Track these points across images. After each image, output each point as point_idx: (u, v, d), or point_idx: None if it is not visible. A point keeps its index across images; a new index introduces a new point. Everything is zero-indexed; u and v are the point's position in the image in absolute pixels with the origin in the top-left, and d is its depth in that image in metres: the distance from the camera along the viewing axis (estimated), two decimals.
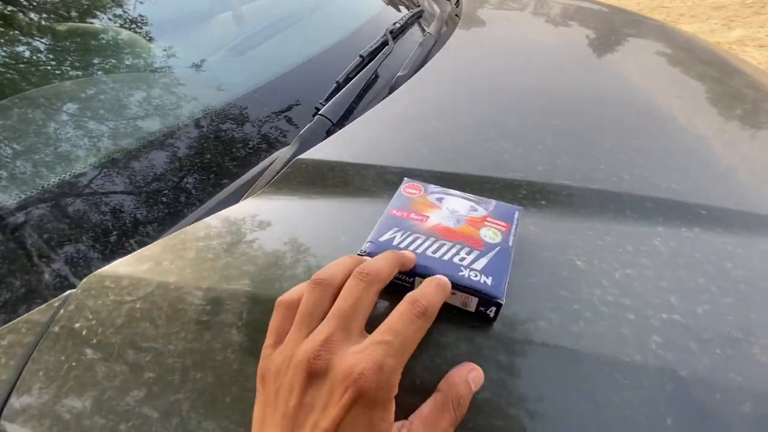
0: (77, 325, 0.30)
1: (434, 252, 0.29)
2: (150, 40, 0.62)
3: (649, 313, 0.30)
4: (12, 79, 0.48)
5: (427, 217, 0.32)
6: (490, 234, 0.31)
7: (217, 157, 0.49)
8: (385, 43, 0.70)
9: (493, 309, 0.27)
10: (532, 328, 0.28)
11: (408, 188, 0.35)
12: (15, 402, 0.28)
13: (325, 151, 0.45)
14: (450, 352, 0.27)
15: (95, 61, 0.55)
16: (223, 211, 0.39)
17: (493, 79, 0.61)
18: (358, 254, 0.29)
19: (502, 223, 0.32)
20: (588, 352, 0.27)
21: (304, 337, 0.22)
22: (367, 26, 0.82)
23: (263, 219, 0.37)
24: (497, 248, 0.30)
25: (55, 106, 0.47)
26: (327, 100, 0.57)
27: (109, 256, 0.37)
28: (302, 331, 0.23)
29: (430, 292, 0.24)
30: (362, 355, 0.20)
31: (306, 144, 0.48)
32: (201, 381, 0.27)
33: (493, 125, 0.50)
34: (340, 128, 0.50)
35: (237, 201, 0.41)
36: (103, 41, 0.57)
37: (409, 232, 0.30)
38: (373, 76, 0.64)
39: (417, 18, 0.91)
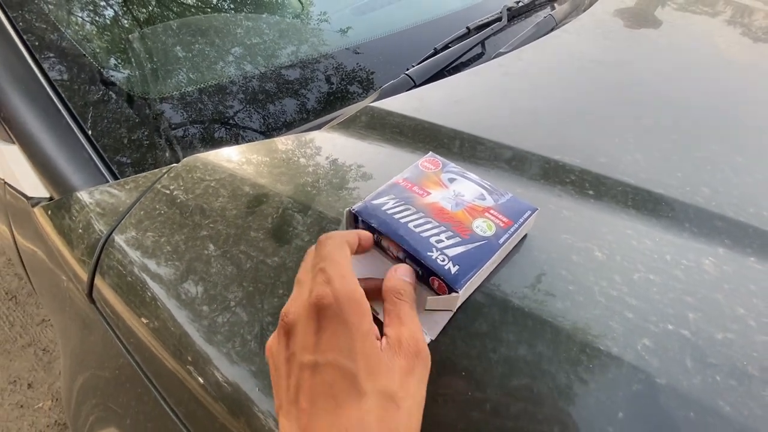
0: (171, 187, 0.40)
1: (416, 226, 0.28)
2: None
3: (651, 318, 0.28)
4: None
5: (429, 193, 0.31)
6: (484, 226, 0.29)
7: (320, 95, 0.58)
8: (498, 19, 0.69)
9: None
10: (511, 291, 0.29)
11: (426, 162, 0.34)
12: (124, 224, 0.39)
13: (394, 103, 0.48)
14: None
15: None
16: (301, 134, 0.46)
17: (597, 68, 0.56)
18: (348, 209, 0.30)
19: (504, 219, 0.30)
20: (560, 327, 0.27)
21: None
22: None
23: (324, 147, 0.43)
24: (482, 242, 0.28)
25: (219, 33, 0.59)
26: (420, 63, 0.60)
27: (211, 146, 0.47)
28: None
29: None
30: (312, 284, 0.22)
31: (385, 96, 0.53)
32: (234, 247, 0.34)
33: (572, 111, 0.47)
34: None
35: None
36: None
37: (402, 202, 0.30)
38: (474, 48, 0.64)
39: (551, 0, 0.87)
